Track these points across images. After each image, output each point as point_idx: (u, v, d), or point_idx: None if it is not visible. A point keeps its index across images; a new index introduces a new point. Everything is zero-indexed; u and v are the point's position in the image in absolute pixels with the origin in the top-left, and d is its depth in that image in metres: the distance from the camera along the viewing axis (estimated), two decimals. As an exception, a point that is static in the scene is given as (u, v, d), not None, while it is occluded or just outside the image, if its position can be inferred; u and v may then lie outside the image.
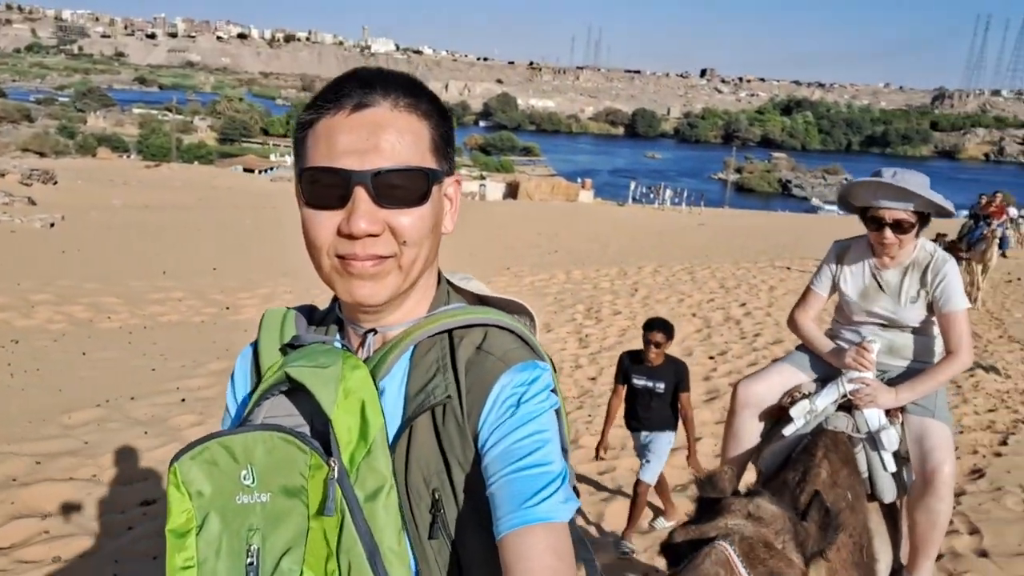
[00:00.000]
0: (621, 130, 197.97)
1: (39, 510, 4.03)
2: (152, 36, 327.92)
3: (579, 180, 61.41)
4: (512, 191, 53.60)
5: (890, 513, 2.67)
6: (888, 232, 2.60)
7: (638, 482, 4.46)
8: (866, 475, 2.58)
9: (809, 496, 1.88)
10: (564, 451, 1.06)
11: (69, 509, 4.08)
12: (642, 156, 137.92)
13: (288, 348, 1.08)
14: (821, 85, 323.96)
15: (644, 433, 4.57)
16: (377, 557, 0.94)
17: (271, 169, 71.21)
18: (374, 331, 1.08)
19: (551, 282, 13.45)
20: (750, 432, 2.85)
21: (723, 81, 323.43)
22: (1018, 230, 19.93)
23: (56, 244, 12.92)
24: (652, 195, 53.41)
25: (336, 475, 0.92)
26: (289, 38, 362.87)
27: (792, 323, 3.02)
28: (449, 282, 1.19)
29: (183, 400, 5.83)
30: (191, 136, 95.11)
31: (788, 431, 2.65)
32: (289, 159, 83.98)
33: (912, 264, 2.69)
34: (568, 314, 10.50)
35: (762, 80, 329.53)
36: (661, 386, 4.48)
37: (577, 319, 10.19)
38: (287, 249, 15.72)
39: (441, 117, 1.06)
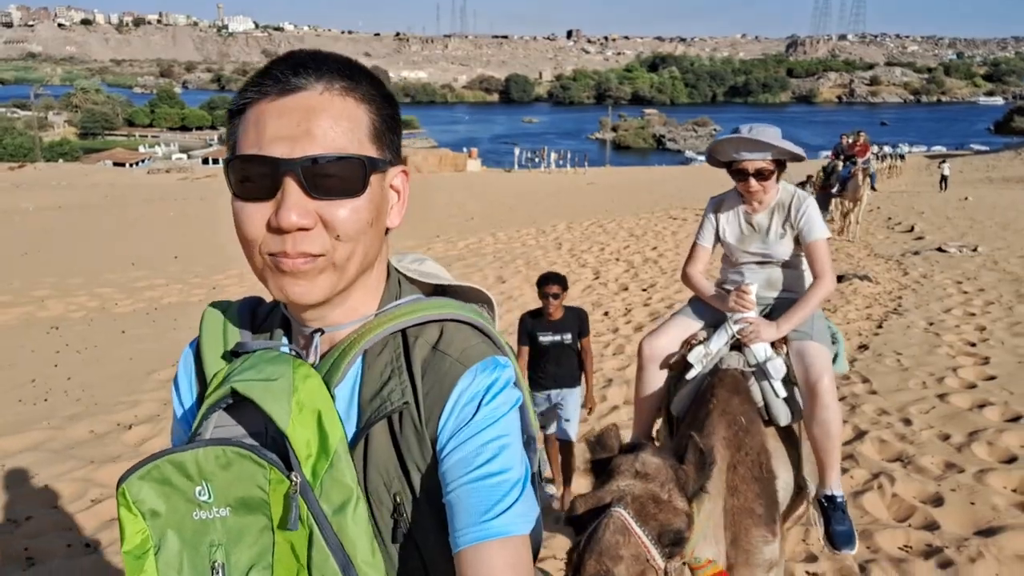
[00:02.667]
0: (496, 97, 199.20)
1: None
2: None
3: (465, 150, 62.41)
4: (401, 166, 53.68)
5: (788, 437, 2.89)
6: (752, 181, 2.88)
7: (566, 443, 4.58)
8: (761, 403, 2.79)
9: (685, 441, 2.08)
10: (532, 440, 1.06)
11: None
12: (519, 121, 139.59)
13: (233, 355, 1.03)
14: (683, 40, 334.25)
15: (555, 391, 4.55)
16: (351, 571, 0.91)
17: (143, 161, 68.77)
18: (321, 331, 1.03)
19: (483, 244, 14.83)
20: (657, 382, 3.08)
21: (589, 41, 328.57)
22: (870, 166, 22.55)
23: (2, 248, 13.31)
24: (537, 159, 54.99)
25: (298, 490, 0.88)
26: (139, 21, 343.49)
27: (685, 278, 3.25)
28: (401, 273, 1.14)
29: (239, 357, 6.95)
30: (49, 133, 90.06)
31: (690, 375, 2.89)
32: (159, 150, 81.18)
33: (777, 205, 2.98)
34: (512, 268, 11.94)
35: (626, 38, 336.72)
36: (568, 337, 4.51)
37: (522, 271, 11.64)
38: (229, 237, 16.43)
39: (384, 102, 1.00)
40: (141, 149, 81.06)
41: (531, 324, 4.57)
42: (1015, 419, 5.29)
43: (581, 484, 4.42)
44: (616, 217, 18.67)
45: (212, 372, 1.03)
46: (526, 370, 4.53)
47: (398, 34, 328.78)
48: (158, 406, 5.61)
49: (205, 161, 68.32)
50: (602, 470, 2.05)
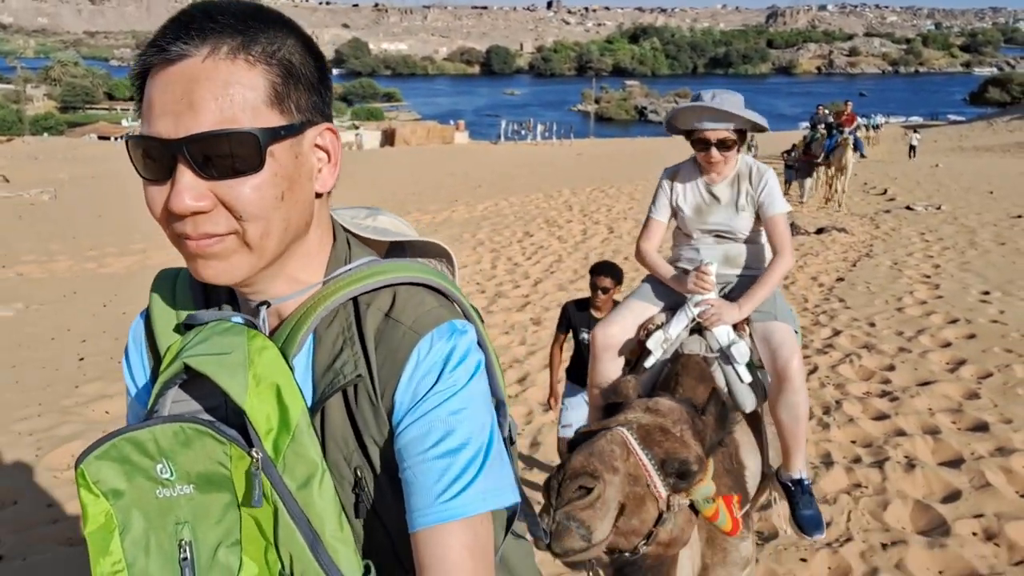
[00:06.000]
0: (477, 69, 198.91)
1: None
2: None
3: (452, 122, 63.51)
4: (388, 138, 53.67)
5: (753, 422, 2.78)
6: (714, 151, 2.73)
7: None
8: (725, 389, 2.64)
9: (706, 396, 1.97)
10: (501, 404, 1.02)
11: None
12: (501, 93, 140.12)
13: (186, 327, 0.98)
14: (664, 10, 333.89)
15: None
16: (319, 546, 0.88)
17: (127, 135, 69.14)
18: (267, 304, 0.97)
19: (500, 207, 16.40)
20: (612, 372, 2.88)
21: (570, 12, 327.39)
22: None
23: (78, 211, 14.76)
24: (524, 131, 56.07)
25: (260, 466, 0.86)
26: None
27: (639, 254, 3.04)
28: (351, 232, 1.07)
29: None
30: (29, 107, 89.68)
31: (649, 363, 2.71)
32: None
33: (737, 176, 2.84)
34: (535, 225, 13.58)
35: (607, 9, 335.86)
36: None
37: (544, 228, 13.28)
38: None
39: (297, 52, 0.90)
40: (124, 123, 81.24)
41: (574, 314, 4.32)
42: (953, 321, 7.05)
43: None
44: (614, 184, 20.25)
45: (164, 345, 0.99)
46: (560, 358, 4.42)
47: (377, 5, 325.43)
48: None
49: (192, 135, 68.59)
50: (612, 414, 1.98)
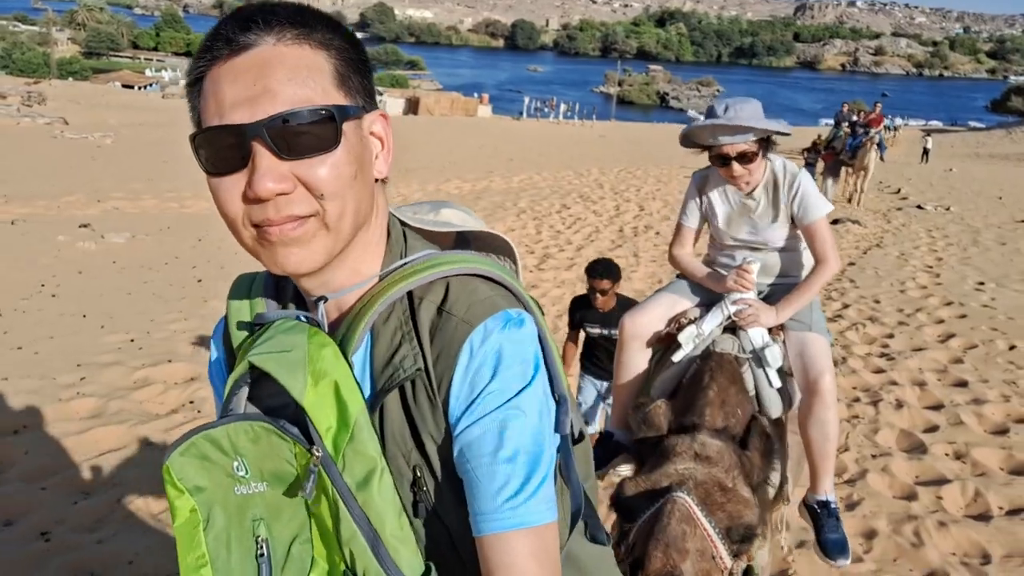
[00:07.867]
0: (501, 42, 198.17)
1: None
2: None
3: (476, 95, 64.02)
4: (412, 107, 54.02)
5: (776, 429, 2.67)
6: (735, 165, 2.60)
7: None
8: (753, 393, 2.58)
9: (737, 423, 1.95)
10: (563, 400, 0.98)
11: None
12: (524, 69, 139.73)
13: (255, 326, 1.01)
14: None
15: (606, 383, 4.33)
16: (380, 545, 0.89)
17: (151, 86, 69.75)
18: (324, 298, 0.98)
19: (534, 181, 17.38)
20: (639, 362, 2.87)
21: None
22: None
23: (142, 155, 15.80)
24: (547, 109, 56.52)
25: (319, 463, 0.87)
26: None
27: (672, 259, 3.00)
28: (407, 226, 1.07)
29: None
30: (54, 50, 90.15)
31: (678, 357, 2.65)
32: (166, 74, 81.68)
33: (766, 184, 2.71)
34: (571, 199, 14.57)
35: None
36: (616, 332, 3.92)
37: (579, 202, 14.28)
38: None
39: (346, 44, 0.93)
40: (148, 72, 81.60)
41: (579, 312, 4.40)
42: (948, 304, 8.10)
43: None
44: (640, 166, 21.18)
45: (237, 345, 1.03)
46: (575, 353, 4.54)
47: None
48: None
49: (215, 88, 68.93)
50: (650, 452, 1.90)
